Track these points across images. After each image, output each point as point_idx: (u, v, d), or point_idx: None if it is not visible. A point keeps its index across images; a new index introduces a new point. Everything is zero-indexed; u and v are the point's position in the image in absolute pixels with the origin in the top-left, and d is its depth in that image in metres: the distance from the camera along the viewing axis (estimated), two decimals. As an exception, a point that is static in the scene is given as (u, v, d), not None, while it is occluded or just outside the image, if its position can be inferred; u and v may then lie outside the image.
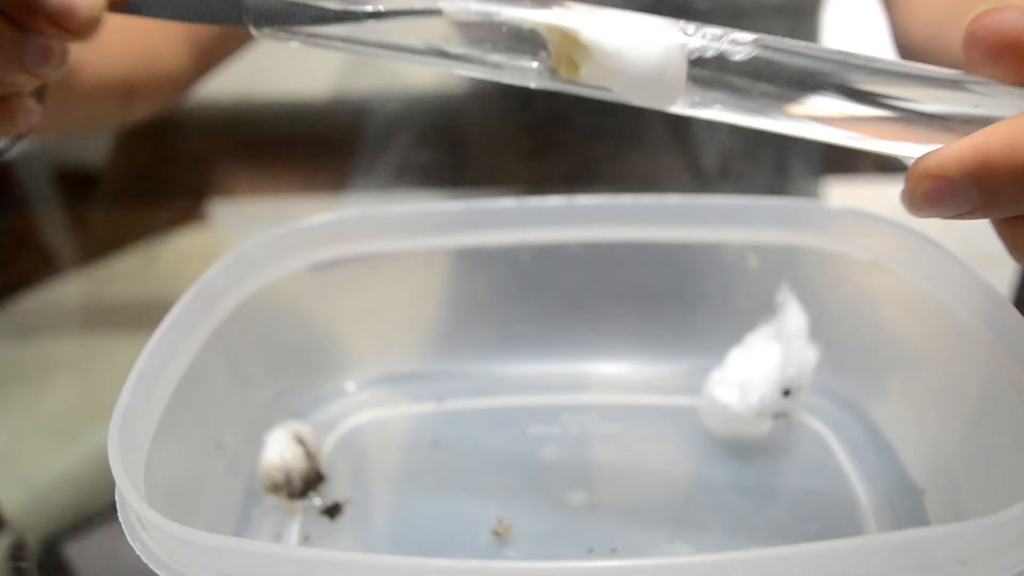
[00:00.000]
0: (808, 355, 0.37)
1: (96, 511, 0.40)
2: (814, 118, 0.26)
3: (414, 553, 0.23)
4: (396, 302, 0.42)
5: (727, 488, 0.36)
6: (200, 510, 0.32)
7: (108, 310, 0.54)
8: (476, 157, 0.67)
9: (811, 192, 0.61)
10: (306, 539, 0.34)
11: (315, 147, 0.68)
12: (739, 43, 0.25)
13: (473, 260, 0.41)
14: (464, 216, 0.40)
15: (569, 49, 0.26)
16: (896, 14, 0.56)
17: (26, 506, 0.40)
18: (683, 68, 0.25)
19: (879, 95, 0.25)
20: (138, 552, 0.24)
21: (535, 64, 0.27)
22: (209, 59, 0.49)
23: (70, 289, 0.56)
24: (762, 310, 0.39)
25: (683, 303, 0.41)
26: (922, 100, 0.25)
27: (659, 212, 0.40)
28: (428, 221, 0.40)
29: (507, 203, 0.40)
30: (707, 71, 0.25)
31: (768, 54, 0.25)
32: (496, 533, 0.34)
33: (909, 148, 0.25)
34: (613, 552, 0.33)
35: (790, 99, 0.25)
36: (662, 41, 0.25)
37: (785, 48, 0.25)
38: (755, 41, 0.25)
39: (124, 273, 0.56)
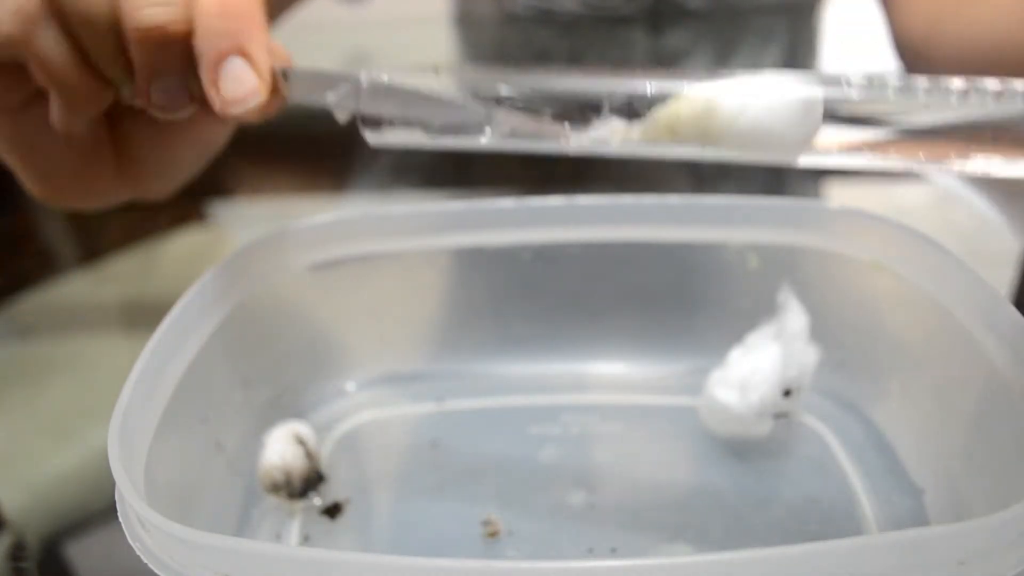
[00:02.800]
0: (809, 355, 0.37)
1: (96, 511, 0.40)
2: None
3: (414, 553, 0.22)
4: (396, 302, 0.42)
5: (727, 488, 0.36)
6: (200, 510, 0.32)
7: (108, 310, 0.54)
8: (476, 157, 0.67)
9: (811, 192, 0.61)
10: (306, 539, 0.34)
11: (315, 147, 0.68)
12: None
13: (473, 260, 0.41)
14: (464, 216, 0.40)
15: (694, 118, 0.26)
16: (894, 11, 0.56)
17: (26, 506, 0.40)
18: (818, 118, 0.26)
19: None
20: (138, 552, 0.24)
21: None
22: None
23: (70, 289, 0.56)
24: (762, 310, 0.39)
25: (683, 303, 0.41)
26: None
27: (659, 212, 0.40)
28: (428, 221, 0.40)
29: (507, 203, 0.40)
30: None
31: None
32: (489, 535, 0.34)
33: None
34: (613, 552, 0.33)
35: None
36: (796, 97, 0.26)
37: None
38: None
39: (124, 273, 0.56)
